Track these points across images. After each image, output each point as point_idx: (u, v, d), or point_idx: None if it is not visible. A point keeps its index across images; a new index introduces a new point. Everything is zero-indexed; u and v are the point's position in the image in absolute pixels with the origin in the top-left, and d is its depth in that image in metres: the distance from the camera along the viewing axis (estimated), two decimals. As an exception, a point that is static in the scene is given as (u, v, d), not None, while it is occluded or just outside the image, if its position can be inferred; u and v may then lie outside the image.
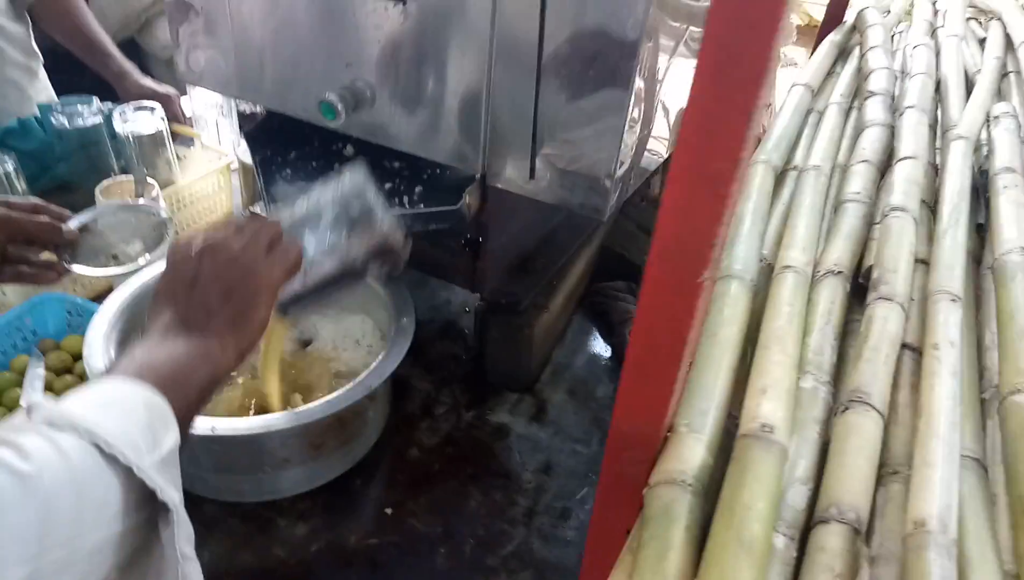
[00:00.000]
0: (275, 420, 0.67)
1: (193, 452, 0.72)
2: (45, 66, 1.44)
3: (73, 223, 0.69)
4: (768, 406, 0.37)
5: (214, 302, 0.53)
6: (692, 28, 0.74)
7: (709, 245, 0.29)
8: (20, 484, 0.35)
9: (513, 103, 0.70)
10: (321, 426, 0.71)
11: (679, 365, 0.32)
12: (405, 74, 0.73)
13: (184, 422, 0.47)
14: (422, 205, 0.82)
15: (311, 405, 0.69)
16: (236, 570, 0.71)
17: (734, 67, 0.24)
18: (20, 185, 1.05)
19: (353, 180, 0.67)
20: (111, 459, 0.40)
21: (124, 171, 1.13)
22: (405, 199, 0.83)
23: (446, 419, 0.91)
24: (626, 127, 0.67)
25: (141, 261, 0.74)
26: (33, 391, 0.80)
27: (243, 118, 0.94)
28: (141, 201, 0.80)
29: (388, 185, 0.84)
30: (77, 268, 0.70)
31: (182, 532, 0.43)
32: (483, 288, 0.92)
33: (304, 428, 0.69)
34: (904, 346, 0.46)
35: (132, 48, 2.52)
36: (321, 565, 0.72)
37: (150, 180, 0.96)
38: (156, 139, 1.12)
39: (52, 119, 1.12)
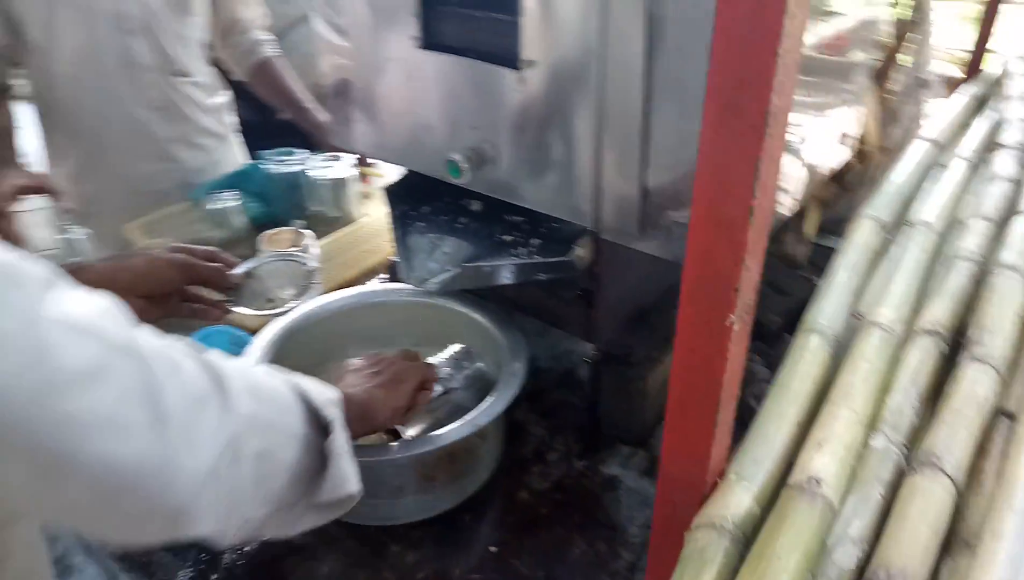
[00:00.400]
0: (388, 450, 0.73)
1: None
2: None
3: (239, 270, 0.81)
4: (821, 460, 0.37)
5: (385, 380, 0.74)
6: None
7: (731, 289, 0.30)
8: (245, 366, 0.53)
9: (620, 161, 0.73)
10: (432, 459, 0.76)
11: (715, 407, 0.34)
12: (523, 135, 0.79)
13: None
14: (537, 256, 0.86)
15: (421, 438, 0.74)
16: (349, 588, 0.77)
17: (735, 118, 0.27)
18: (239, 219, 1.26)
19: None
20: (292, 387, 0.57)
21: (317, 211, 1.39)
22: (523, 250, 0.88)
23: (558, 466, 0.93)
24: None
25: (291, 304, 0.85)
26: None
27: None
28: (295, 250, 0.91)
29: (508, 237, 0.90)
30: (238, 309, 0.81)
31: (338, 440, 0.58)
32: (597, 339, 0.94)
33: (415, 459, 0.74)
34: (1002, 413, 0.44)
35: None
36: (425, 594, 0.77)
37: (305, 231, 1.08)
38: (345, 182, 1.35)
39: (265, 166, 1.34)
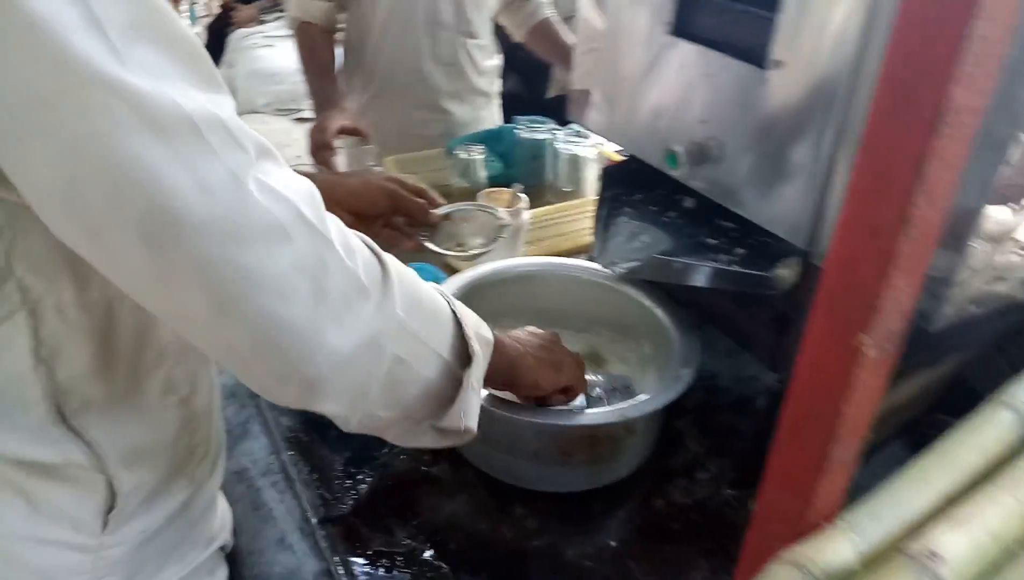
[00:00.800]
0: (528, 412, 0.74)
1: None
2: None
3: (440, 211, 0.87)
4: (952, 537, 0.32)
5: (544, 353, 0.74)
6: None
7: (870, 305, 0.27)
8: (412, 274, 0.56)
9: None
10: (572, 435, 0.77)
11: (831, 438, 0.30)
12: (755, 137, 0.75)
13: (496, 368, 0.66)
14: (736, 266, 0.82)
15: (565, 410, 0.75)
16: (466, 530, 0.79)
17: (904, 109, 0.23)
18: (480, 173, 1.36)
19: None
20: (452, 314, 0.60)
21: (555, 181, 1.45)
22: (724, 257, 0.84)
23: (705, 487, 0.89)
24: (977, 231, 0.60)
25: (477, 252, 0.89)
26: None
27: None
28: (500, 210, 0.95)
29: (712, 240, 0.86)
30: (430, 245, 0.87)
31: (474, 373, 0.61)
32: (784, 369, 0.88)
33: (556, 430, 0.75)
34: None
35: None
36: (533, 560, 0.77)
37: (522, 195, 1.12)
38: (583, 161, 1.40)
39: (516, 130, 1.42)
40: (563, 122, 1.58)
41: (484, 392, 0.76)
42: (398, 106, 1.69)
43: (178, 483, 0.60)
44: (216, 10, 4.69)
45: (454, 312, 0.60)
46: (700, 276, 0.80)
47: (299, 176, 0.47)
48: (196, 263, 0.41)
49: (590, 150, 1.41)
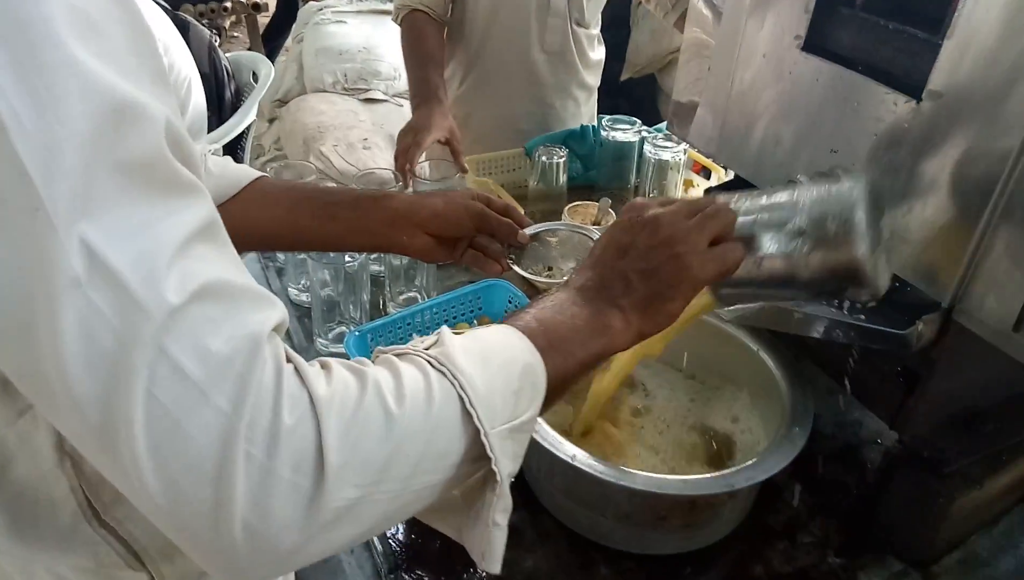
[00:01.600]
0: (627, 476, 0.67)
1: (552, 469, 0.77)
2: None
3: (528, 231, 0.79)
4: None
5: (635, 277, 0.53)
6: None
7: None
8: (386, 423, 0.40)
9: (1016, 240, 0.57)
10: (669, 501, 0.69)
11: None
12: (895, 173, 0.65)
13: (557, 388, 0.49)
14: (863, 317, 0.72)
15: (665, 477, 0.67)
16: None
17: None
18: (561, 175, 1.28)
19: (842, 192, 0.58)
20: (467, 415, 0.43)
21: (638, 186, 1.37)
22: (847, 305, 0.75)
23: (808, 553, 0.80)
24: None
25: (566, 278, 0.81)
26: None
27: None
28: (595, 230, 0.87)
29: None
30: (518, 269, 0.79)
31: (500, 503, 0.45)
32: (905, 430, 0.78)
33: (652, 496, 0.67)
34: None
35: (650, 83, 2.77)
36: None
37: (610, 210, 1.03)
38: (671, 166, 1.30)
39: (601, 130, 1.33)
40: (636, 111, 1.48)
41: (578, 452, 0.69)
42: (499, 97, 1.58)
43: None
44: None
45: (470, 413, 0.43)
46: (822, 328, 0.72)
47: (250, 326, 0.36)
48: (80, 439, 0.35)
49: (680, 155, 1.31)
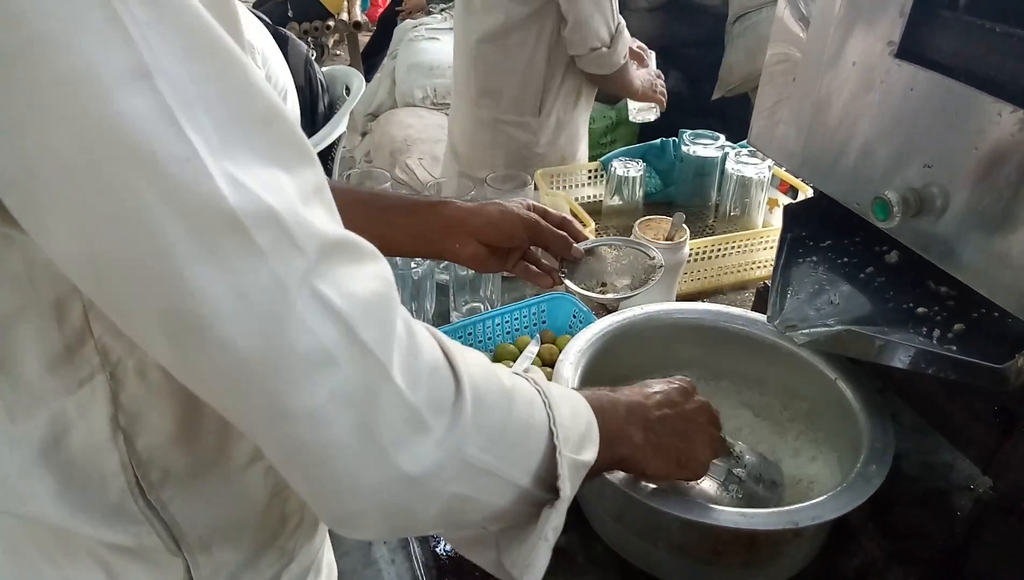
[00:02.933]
0: (677, 504, 0.63)
1: (603, 492, 0.73)
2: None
3: (583, 245, 0.76)
4: None
5: (669, 427, 0.61)
6: None
7: None
8: (501, 393, 0.46)
9: None
10: (727, 535, 0.64)
11: None
12: (999, 191, 0.59)
13: (593, 469, 0.53)
14: (954, 348, 0.66)
15: (720, 508, 0.63)
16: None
17: None
18: (638, 190, 1.25)
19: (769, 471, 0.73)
20: (550, 431, 0.49)
21: (719, 204, 1.32)
22: (936, 333, 0.68)
23: (883, 602, 0.74)
24: None
25: (623, 294, 0.78)
26: (522, 364, 0.92)
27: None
28: (654, 248, 0.83)
29: (923, 310, 0.71)
30: (569, 283, 0.77)
31: (554, 521, 0.49)
32: (1001, 476, 0.71)
33: (708, 528, 0.63)
34: None
35: (743, 103, 2.70)
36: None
37: (684, 225, 0.99)
38: (755, 183, 1.25)
39: (683, 145, 1.30)
40: (728, 131, 1.43)
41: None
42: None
43: (266, 559, 0.54)
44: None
45: (552, 430, 0.49)
46: (906, 358, 0.66)
47: (376, 276, 0.39)
48: (221, 376, 0.36)
49: (764, 172, 1.25)
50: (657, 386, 0.64)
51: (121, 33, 0.30)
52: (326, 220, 0.37)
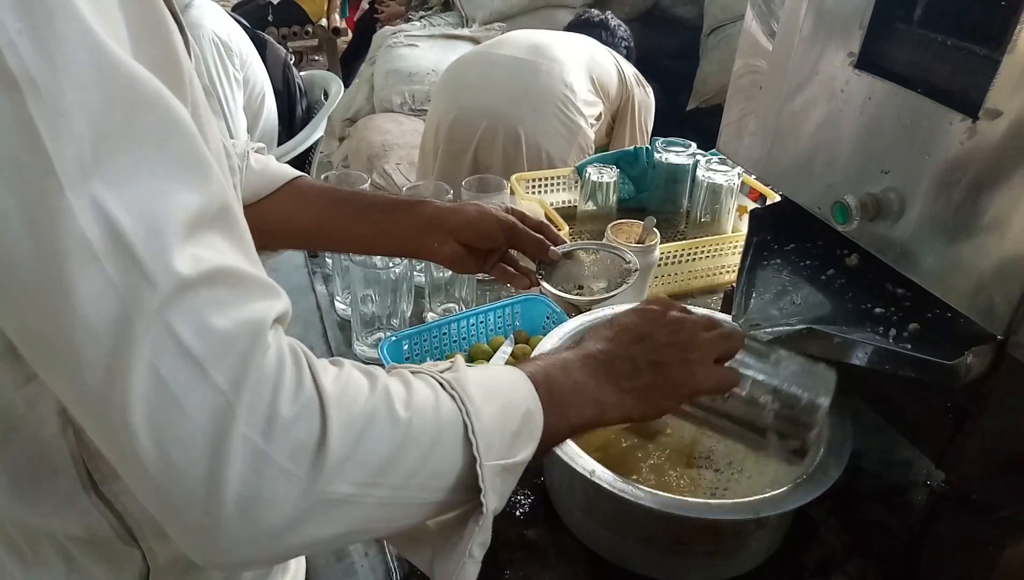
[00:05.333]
0: (643, 495, 0.65)
1: (572, 484, 0.75)
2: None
3: (560, 249, 0.78)
4: None
5: (643, 365, 0.57)
6: None
7: None
8: (391, 426, 0.41)
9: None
10: (691, 525, 0.66)
11: None
12: (951, 197, 0.62)
13: (546, 442, 0.51)
14: (909, 346, 0.69)
15: (685, 499, 0.65)
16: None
17: None
18: (612, 196, 1.27)
19: (819, 375, 0.67)
20: (467, 442, 0.44)
21: (690, 210, 1.34)
22: (893, 331, 0.71)
23: (843, 594, 0.76)
24: None
25: (598, 296, 0.80)
26: (496, 363, 0.93)
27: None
28: (628, 252, 0.85)
29: (880, 310, 0.74)
30: (546, 285, 0.78)
31: (479, 537, 0.46)
32: (954, 471, 0.74)
33: (672, 518, 0.65)
34: None
35: (718, 113, 2.74)
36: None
37: (655, 229, 1.02)
38: (725, 191, 1.28)
39: (655, 152, 1.32)
40: (703, 142, 1.46)
41: (598, 468, 0.67)
42: None
43: None
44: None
45: (470, 440, 0.45)
46: (863, 355, 0.68)
47: (257, 313, 0.37)
48: (72, 405, 0.36)
49: (734, 179, 1.28)
50: (624, 319, 0.60)
51: None
52: (212, 249, 0.36)
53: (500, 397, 0.48)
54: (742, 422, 0.65)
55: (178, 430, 0.34)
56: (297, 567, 0.67)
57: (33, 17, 0.30)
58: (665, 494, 0.66)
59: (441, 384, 0.46)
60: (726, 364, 0.62)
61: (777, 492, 0.67)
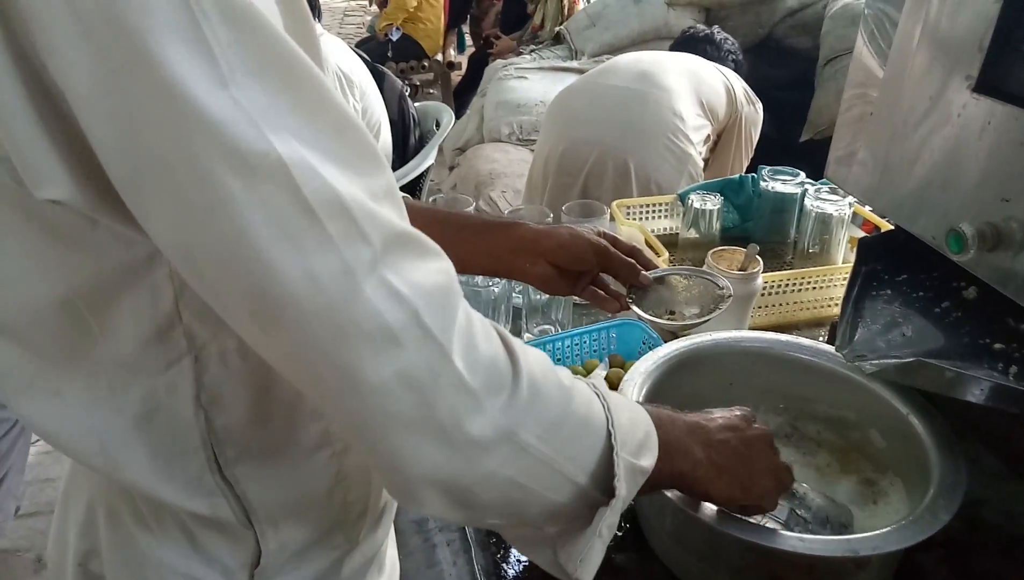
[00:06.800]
0: (736, 526, 0.63)
1: (662, 510, 0.74)
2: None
3: (651, 274, 0.78)
4: None
5: (730, 450, 0.61)
6: None
7: None
8: (559, 388, 0.48)
9: None
10: (786, 559, 0.64)
11: None
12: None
13: (651, 480, 0.55)
14: (1031, 385, 0.64)
15: (781, 532, 0.63)
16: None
17: None
18: (715, 223, 1.26)
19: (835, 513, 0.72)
20: (607, 431, 0.51)
21: (798, 240, 1.31)
22: (1013, 369, 0.67)
23: (953, 650, 0.71)
24: None
25: (690, 321, 0.79)
26: (591, 388, 0.94)
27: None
28: (722, 278, 0.84)
29: (1000, 346, 0.69)
30: (636, 309, 0.78)
31: (610, 518, 0.51)
32: (1085, 524, 0.68)
33: (765, 551, 0.63)
34: None
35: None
36: None
37: (757, 257, 1.00)
38: (835, 221, 1.24)
39: (761, 180, 1.30)
40: (817, 175, 1.42)
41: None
42: None
43: (331, 541, 0.58)
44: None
45: (610, 431, 0.51)
46: (978, 391, 0.64)
47: (439, 271, 0.43)
48: (298, 352, 0.40)
49: (844, 209, 1.24)
50: (718, 412, 0.65)
51: (205, 51, 0.34)
52: (394, 217, 0.41)
53: (627, 409, 0.54)
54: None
55: (397, 363, 0.40)
56: (392, 571, 0.69)
57: (240, 31, 0.35)
58: (759, 524, 0.64)
59: (590, 382, 0.53)
60: None
61: (880, 532, 0.63)
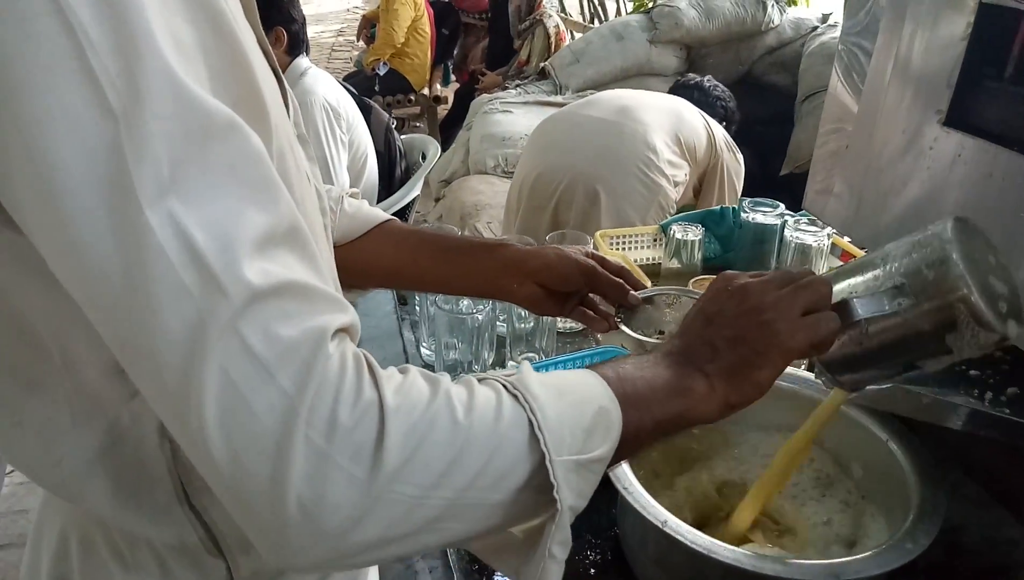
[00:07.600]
0: (720, 549, 0.63)
1: (645, 536, 0.74)
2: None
3: (640, 294, 0.79)
4: None
5: (721, 344, 0.52)
6: None
7: None
8: (451, 429, 0.41)
9: None
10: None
11: None
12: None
13: (630, 440, 0.48)
14: (1007, 410, 0.66)
15: (754, 553, 0.63)
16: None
17: None
18: (697, 253, 1.28)
19: (928, 237, 0.56)
20: (534, 439, 0.43)
21: (778, 269, 1.31)
22: (989, 394, 0.68)
23: (935, 677, 0.71)
24: None
25: None
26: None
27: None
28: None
29: (976, 372, 0.71)
30: (624, 329, 0.79)
31: (558, 535, 0.44)
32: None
33: (747, 574, 0.63)
34: None
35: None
36: None
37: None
38: (815, 252, 1.27)
39: (742, 212, 1.32)
40: (796, 207, 1.45)
41: (671, 518, 0.67)
42: None
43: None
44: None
45: (538, 437, 0.43)
46: (956, 418, 0.66)
47: (320, 324, 0.39)
48: (155, 404, 0.39)
49: (823, 240, 1.26)
50: (690, 312, 0.57)
51: (91, 80, 0.34)
52: (281, 265, 0.38)
53: (568, 395, 0.46)
54: (909, 343, 0.55)
55: (246, 430, 0.37)
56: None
57: (128, 60, 0.35)
58: (740, 549, 0.64)
59: (504, 386, 0.45)
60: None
61: (860, 556, 0.64)
